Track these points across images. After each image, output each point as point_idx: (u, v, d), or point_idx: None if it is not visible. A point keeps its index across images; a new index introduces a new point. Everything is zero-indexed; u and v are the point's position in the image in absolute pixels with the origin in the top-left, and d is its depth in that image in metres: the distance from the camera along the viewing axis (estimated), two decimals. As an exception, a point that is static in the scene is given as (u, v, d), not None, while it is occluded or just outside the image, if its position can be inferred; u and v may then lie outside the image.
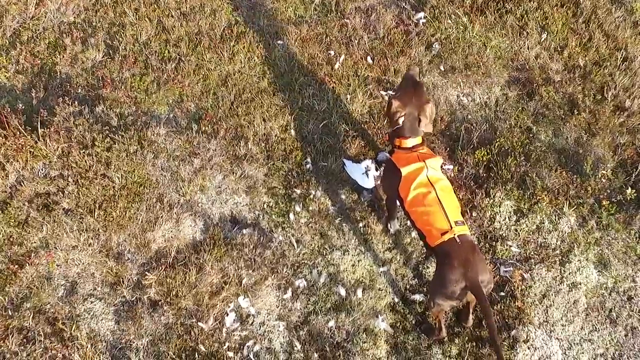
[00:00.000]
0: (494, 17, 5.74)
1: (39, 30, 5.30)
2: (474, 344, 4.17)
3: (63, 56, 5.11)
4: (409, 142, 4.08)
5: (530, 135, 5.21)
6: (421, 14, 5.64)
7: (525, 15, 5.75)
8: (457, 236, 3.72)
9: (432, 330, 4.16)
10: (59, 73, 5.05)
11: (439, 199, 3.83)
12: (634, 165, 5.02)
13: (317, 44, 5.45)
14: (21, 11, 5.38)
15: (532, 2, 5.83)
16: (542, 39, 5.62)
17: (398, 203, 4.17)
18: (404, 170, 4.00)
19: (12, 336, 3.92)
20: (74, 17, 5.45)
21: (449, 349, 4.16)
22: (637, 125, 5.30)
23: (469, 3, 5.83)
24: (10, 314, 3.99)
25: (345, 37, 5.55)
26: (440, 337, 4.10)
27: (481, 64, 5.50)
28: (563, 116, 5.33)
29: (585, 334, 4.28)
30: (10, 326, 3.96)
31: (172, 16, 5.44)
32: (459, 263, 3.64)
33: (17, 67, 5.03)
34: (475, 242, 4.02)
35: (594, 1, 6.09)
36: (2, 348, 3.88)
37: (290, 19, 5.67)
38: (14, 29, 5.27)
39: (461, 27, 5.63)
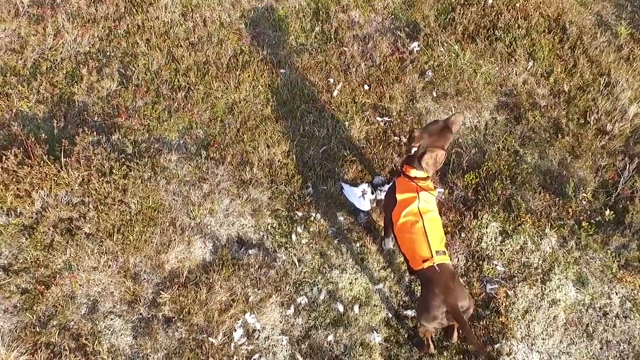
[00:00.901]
0: (484, 44, 6.08)
1: (57, 60, 5.63)
2: (461, 356, 4.54)
3: (80, 86, 5.46)
4: (413, 172, 4.33)
5: (518, 157, 5.56)
6: (415, 44, 5.97)
7: (514, 42, 6.08)
8: (437, 265, 4.07)
9: (422, 344, 4.54)
10: (76, 102, 5.40)
11: (425, 229, 4.16)
12: (615, 186, 5.38)
13: (317, 71, 5.79)
14: (40, 42, 5.71)
15: (520, 30, 6.16)
16: (529, 66, 5.96)
17: None
18: (399, 197, 4.34)
19: (41, 351, 4.28)
20: (89, 47, 5.79)
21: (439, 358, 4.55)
22: (618, 148, 5.65)
23: (461, 30, 6.17)
24: (38, 330, 4.36)
25: (343, 64, 5.89)
26: (429, 351, 4.48)
27: (471, 89, 5.85)
28: (548, 139, 5.68)
29: (563, 347, 4.65)
30: (39, 342, 4.32)
31: (181, 46, 5.78)
32: (440, 290, 4.01)
33: (38, 97, 5.36)
34: (455, 271, 4.35)
35: (580, 27, 6.44)
36: (31, 361, 4.28)
37: (292, 47, 6.00)
38: (34, 59, 5.60)
39: (453, 54, 5.98)
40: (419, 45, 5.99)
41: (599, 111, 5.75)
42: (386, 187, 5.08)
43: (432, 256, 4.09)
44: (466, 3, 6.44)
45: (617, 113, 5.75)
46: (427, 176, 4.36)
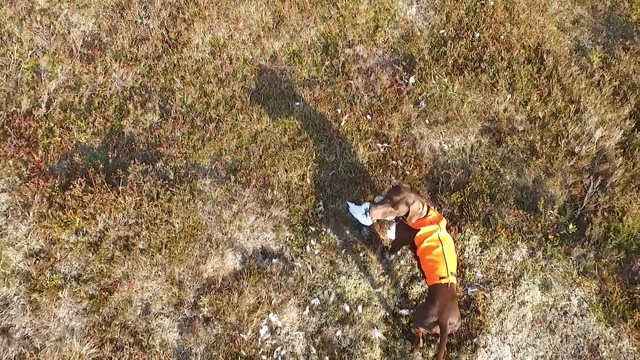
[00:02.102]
0: (470, 76, 6.76)
1: (107, 96, 6.36)
2: (448, 349, 5.36)
3: (128, 119, 6.22)
4: (424, 212, 5.11)
5: (498, 176, 6.29)
6: (412, 78, 6.68)
7: (497, 74, 6.78)
8: (449, 284, 4.85)
9: (414, 338, 5.37)
10: (125, 133, 6.18)
11: (444, 253, 4.92)
12: (581, 201, 6.13)
13: (327, 103, 6.51)
14: (92, 80, 6.46)
15: (502, 62, 6.86)
16: (509, 98, 6.66)
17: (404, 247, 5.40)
18: (422, 229, 5.04)
19: (106, 345, 5.11)
20: (133, 83, 6.53)
21: (427, 352, 5.34)
22: (585, 167, 6.36)
23: (451, 62, 6.88)
24: (104, 328, 5.19)
25: (349, 95, 6.62)
26: (419, 345, 5.31)
27: (459, 117, 6.57)
28: (525, 159, 6.40)
29: (530, 341, 5.45)
30: (105, 338, 5.14)
31: (211, 82, 6.52)
32: (440, 304, 4.78)
33: (93, 130, 6.12)
34: (456, 294, 5.04)
35: (556, 56, 7.12)
36: (99, 354, 5.13)
37: (305, 80, 6.73)
38: (87, 96, 6.37)
39: (443, 86, 6.69)
40: (414, 79, 6.70)
41: (569, 135, 6.45)
42: None
43: (447, 276, 4.85)
44: (456, 36, 7.13)
45: (584, 136, 6.44)
46: (429, 209, 5.14)
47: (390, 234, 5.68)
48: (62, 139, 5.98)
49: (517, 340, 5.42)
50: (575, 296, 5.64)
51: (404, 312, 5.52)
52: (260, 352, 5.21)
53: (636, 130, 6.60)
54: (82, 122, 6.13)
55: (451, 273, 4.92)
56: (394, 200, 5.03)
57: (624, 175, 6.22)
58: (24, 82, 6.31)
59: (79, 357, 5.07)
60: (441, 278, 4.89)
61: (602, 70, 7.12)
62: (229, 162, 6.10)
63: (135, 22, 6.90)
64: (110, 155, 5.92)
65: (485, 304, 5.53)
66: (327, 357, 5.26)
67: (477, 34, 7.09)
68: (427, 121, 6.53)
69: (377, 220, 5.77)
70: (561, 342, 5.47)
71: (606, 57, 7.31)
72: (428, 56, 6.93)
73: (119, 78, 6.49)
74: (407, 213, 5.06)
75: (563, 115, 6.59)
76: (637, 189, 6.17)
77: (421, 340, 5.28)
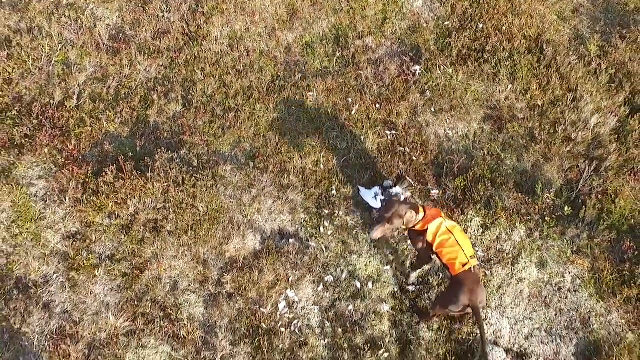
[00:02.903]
0: (474, 66, 7.05)
1: (132, 87, 6.69)
2: (450, 321, 5.73)
3: (152, 109, 6.56)
4: (420, 216, 5.27)
5: (499, 161, 6.62)
6: (417, 67, 6.98)
7: (499, 64, 7.06)
8: (472, 267, 5.06)
9: (422, 314, 5.68)
10: (150, 122, 6.53)
11: (457, 241, 5.13)
12: (576, 185, 6.45)
13: (338, 93, 6.82)
14: (118, 72, 6.78)
15: (504, 52, 7.13)
16: (510, 87, 6.94)
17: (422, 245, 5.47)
18: (429, 227, 5.20)
19: (139, 319, 5.51)
20: (157, 74, 6.86)
21: (432, 324, 5.75)
22: (581, 152, 6.66)
23: (455, 53, 7.16)
24: (136, 303, 5.57)
25: (359, 85, 6.92)
26: (429, 320, 5.65)
27: (463, 105, 6.86)
28: (525, 145, 6.70)
29: (527, 314, 5.80)
30: (137, 312, 5.51)
31: (230, 73, 6.83)
32: (468, 290, 5.01)
33: (121, 119, 6.48)
34: (480, 276, 5.29)
35: (555, 46, 7.38)
36: (132, 327, 5.53)
37: (318, 70, 7.03)
38: (114, 87, 6.70)
39: (448, 76, 6.98)
40: (420, 69, 6.99)
41: (566, 122, 6.74)
42: (394, 189, 6.19)
43: (469, 260, 5.06)
44: (461, 28, 7.39)
45: (581, 123, 6.73)
46: (423, 214, 5.27)
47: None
48: (92, 129, 6.32)
49: (514, 314, 5.77)
50: (569, 273, 5.99)
51: (411, 288, 5.87)
52: (279, 325, 5.59)
53: (630, 116, 6.87)
54: (110, 112, 6.46)
55: (470, 257, 5.11)
56: (386, 217, 5.22)
57: (617, 159, 6.52)
58: (55, 74, 6.63)
59: (114, 330, 5.46)
60: (464, 265, 5.08)
61: (599, 58, 7.37)
62: (247, 149, 6.43)
63: (157, 15, 7.19)
64: (137, 144, 6.27)
65: (485, 281, 5.88)
66: (340, 329, 5.63)
67: (481, 25, 7.34)
68: (432, 109, 6.82)
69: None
70: (555, 315, 5.83)
71: (604, 46, 7.55)
72: (434, 47, 7.20)
73: (143, 70, 6.81)
74: (405, 222, 5.25)
75: (561, 103, 6.86)
76: (629, 172, 6.47)
77: (434, 318, 5.60)
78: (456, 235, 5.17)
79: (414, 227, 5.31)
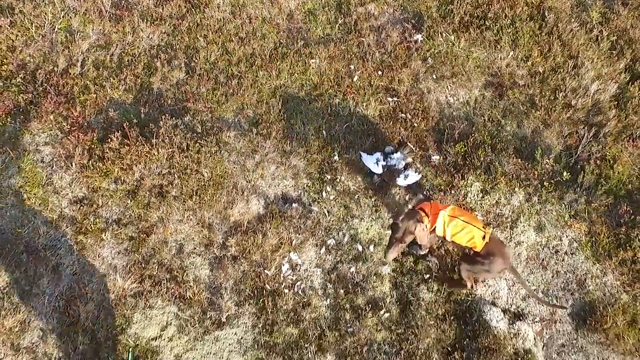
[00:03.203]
0: (475, 33, 7.03)
1: (135, 54, 6.71)
2: (449, 283, 5.87)
3: (156, 76, 6.59)
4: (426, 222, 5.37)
5: (500, 127, 6.66)
6: (419, 35, 6.98)
7: (500, 31, 7.04)
8: (490, 236, 5.20)
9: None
10: (154, 89, 6.55)
11: (465, 222, 5.21)
12: (575, 150, 6.51)
13: (340, 59, 6.83)
14: (121, 39, 6.79)
15: (506, 19, 7.11)
16: (512, 54, 6.95)
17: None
18: (436, 227, 5.32)
19: (146, 280, 5.65)
20: (159, 42, 6.87)
21: (431, 286, 5.87)
22: (580, 118, 6.71)
23: (457, 20, 7.14)
24: (143, 266, 5.71)
25: (361, 52, 6.92)
26: (468, 288, 5.68)
27: (464, 72, 6.88)
28: (525, 112, 6.73)
29: (525, 276, 5.92)
30: (144, 274, 5.65)
31: (232, 41, 6.84)
32: (498, 257, 5.18)
33: (125, 86, 6.52)
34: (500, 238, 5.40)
35: (557, 13, 7.35)
36: (140, 288, 5.66)
37: (320, 38, 7.02)
38: (117, 54, 6.73)
39: (450, 43, 6.98)
40: (422, 36, 6.99)
41: (567, 89, 6.75)
42: (395, 155, 6.24)
43: (485, 232, 5.17)
44: (463, -6, 7.37)
45: (581, 90, 6.74)
46: (425, 216, 5.37)
47: (400, 181, 6.08)
48: (97, 96, 6.37)
49: (512, 276, 5.88)
50: (566, 237, 6.09)
51: (414, 251, 5.93)
52: (282, 286, 5.72)
53: (630, 83, 6.88)
54: (114, 79, 6.50)
55: (483, 227, 5.23)
56: (398, 238, 5.32)
57: (616, 126, 6.57)
58: (58, 41, 6.65)
59: (122, 291, 5.60)
60: (483, 238, 5.20)
61: (600, 25, 7.34)
62: (250, 116, 6.48)
63: (159, -18, 7.17)
64: (142, 111, 6.32)
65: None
66: (342, 291, 5.76)
67: (483, -9, 7.31)
68: (434, 76, 6.85)
69: (387, 170, 6.15)
70: (552, 277, 5.95)
71: (605, 12, 7.51)
72: (436, 14, 7.18)
73: (146, 37, 6.83)
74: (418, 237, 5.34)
75: (562, 70, 6.87)
76: (628, 138, 6.52)
77: (469, 283, 5.63)
78: (460, 216, 5.27)
79: (422, 238, 5.42)
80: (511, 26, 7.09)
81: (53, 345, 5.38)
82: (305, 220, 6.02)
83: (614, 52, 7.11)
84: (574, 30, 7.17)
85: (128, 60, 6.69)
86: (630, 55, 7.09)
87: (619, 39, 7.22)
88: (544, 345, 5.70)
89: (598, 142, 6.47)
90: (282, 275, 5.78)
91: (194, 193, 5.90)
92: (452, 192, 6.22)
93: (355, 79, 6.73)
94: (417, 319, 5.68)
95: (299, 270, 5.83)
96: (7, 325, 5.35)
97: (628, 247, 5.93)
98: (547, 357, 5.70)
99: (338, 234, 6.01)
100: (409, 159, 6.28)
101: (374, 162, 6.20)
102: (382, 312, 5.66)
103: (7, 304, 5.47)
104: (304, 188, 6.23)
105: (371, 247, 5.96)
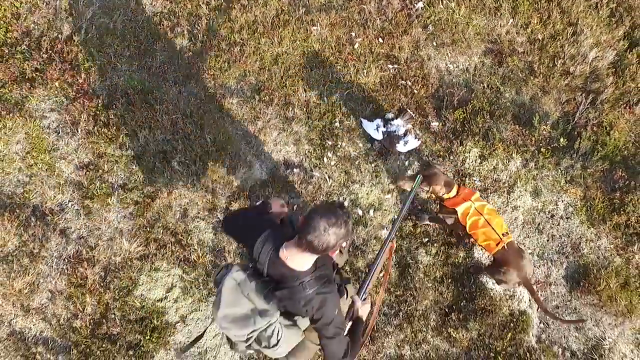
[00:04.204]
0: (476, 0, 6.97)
1: (139, 21, 6.64)
2: (447, 246, 5.91)
3: (159, 43, 6.54)
4: (452, 193, 5.28)
5: (498, 94, 6.63)
6: (420, 3, 6.88)
7: (500, -2, 6.97)
8: (506, 244, 5.07)
9: (480, 268, 5.73)
10: (157, 56, 6.52)
11: (487, 221, 5.08)
12: (573, 117, 6.49)
13: (342, 27, 6.76)
14: (123, 5, 6.70)
15: (506, -14, 7.02)
16: (511, 21, 6.87)
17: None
18: (458, 210, 5.17)
19: (151, 244, 5.70)
20: (162, 9, 6.79)
21: (430, 249, 5.91)
22: (579, 85, 6.67)
23: (458, -14, 7.05)
24: (148, 230, 5.74)
25: (362, 19, 6.84)
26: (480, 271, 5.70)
27: (464, 39, 6.81)
28: (524, 79, 6.69)
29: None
30: (149, 238, 5.69)
31: (234, 7, 6.77)
32: (512, 268, 5.07)
33: (129, 53, 6.48)
34: (520, 247, 5.28)
35: (558, -21, 7.24)
36: (145, 251, 5.70)
37: (322, 5, 6.93)
38: (121, 21, 6.64)
39: (450, 10, 6.90)
40: (423, 3, 6.90)
41: (565, 56, 6.71)
42: (395, 121, 6.22)
43: (501, 239, 5.05)
44: (464, -40, 7.24)
45: (579, 57, 6.69)
46: (458, 189, 5.28)
47: (400, 147, 6.07)
48: (101, 63, 6.32)
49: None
50: (562, 201, 6.10)
51: (419, 218, 5.94)
52: (284, 250, 5.75)
53: (628, 50, 6.82)
54: (118, 46, 6.44)
55: (503, 234, 5.06)
56: (421, 176, 5.11)
57: (613, 93, 6.53)
58: (62, 8, 6.57)
59: (128, 254, 5.64)
60: (497, 244, 5.08)
61: (600, -8, 7.24)
62: (253, 83, 6.44)
63: (161, -51, 7.04)
64: (145, 77, 6.28)
65: (482, 209, 5.99)
66: (342, 254, 5.79)
67: (484, -42, 7.18)
68: (434, 43, 6.78)
69: (387, 136, 6.15)
70: (547, 241, 5.98)
71: (605, -21, 7.39)
72: (436, -20, 7.08)
73: (148, 4, 6.74)
74: (430, 189, 5.31)
75: (561, 38, 6.81)
76: (625, 105, 6.49)
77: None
78: (486, 215, 5.14)
79: (443, 201, 5.32)
80: (511, -8, 6.99)
81: (62, 307, 5.44)
82: (306, 186, 6.04)
83: (613, 19, 7.02)
84: (574, -3, 7.07)
85: (131, 27, 6.62)
86: (629, 22, 7.00)
87: (618, 6, 7.12)
88: (538, 307, 5.75)
89: (595, 109, 6.44)
90: (284, 238, 5.79)
91: (198, 158, 5.90)
92: (451, 157, 6.22)
93: (356, 46, 6.66)
94: (416, 282, 5.73)
95: (301, 234, 5.84)
96: (17, 287, 5.41)
97: (622, 212, 5.95)
98: (541, 318, 5.76)
99: (339, 198, 6.02)
100: (409, 126, 6.26)
101: (374, 129, 6.20)
102: (381, 274, 5.69)
103: (17, 267, 5.51)
104: (306, 154, 6.22)
105: (371, 212, 5.98)
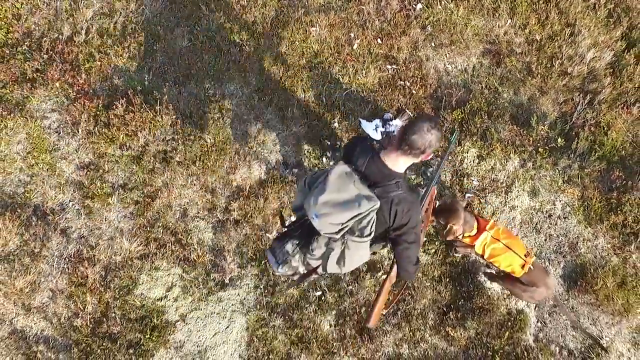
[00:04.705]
0: (474, 0, 6.93)
1: (139, 22, 6.64)
2: (444, 246, 5.92)
3: (159, 44, 6.54)
4: (474, 232, 5.17)
5: (497, 94, 6.63)
6: (419, 5, 6.88)
7: (499, -1, 6.97)
8: (531, 265, 5.05)
9: (493, 275, 5.67)
10: (157, 57, 6.52)
11: (506, 246, 4.99)
12: (570, 117, 6.49)
13: (340, 27, 6.76)
14: (124, 7, 6.71)
15: (504, -13, 7.02)
16: (510, 22, 6.86)
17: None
18: (476, 244, 5.12)
19: (151, 243, 5.72)
20: (162, 10, 6.79)
21: (429, 248, 5.92)
22: (576, 86, 6.66)
23: (457, -13, 7.04)
24: (148, 229, 5.76)
25: (361, 20, 6.83)
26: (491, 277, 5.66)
27: (462, 39, 6.81)
28: (522, 79, 6.68)
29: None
30: (149, 237, 5.71)
31: (234, 9, 6.78)
32: (543, 285, 5.06)
33: (129, 54, 6.47)
34: (542, 265, 5.28)
35: (555, -21, 7.23)
36: (145, 251, 5.71)
37: (320, 6, 6.92)
38: (121, 22, 6.65)
39: (449, 10, 6.89)
40: (421, 4, 6.90)
41: (563, 56, 6.70)
42: (394, 121, 6.22)
43: (525, 261, 5.01)
44: (462, -38, 7.23)
45: (577, 58, 6.68)
46: (474, 232, 5.14)
47: (376, 135, 6.08)
48: (101, 63, 6.32)
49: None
50: (560, 201, 6.10)
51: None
52: (284, 249, 5.75)
53: (626, 51, 6.81)
54: (118, 47, 6.44)
55: (525, 255, 5.02)
56: (441, 215, 5.10)
57: (611, 93, 6.52)
58: (62, 9, 6.57)
59: (129, 253, 5.66)
60: (522, 267, 5.02)
61: (598, -7, 7.23)
62: (252, 83, 6.44)
63: (161, -50, 7.05)
64: (146, 78, 6.29)
65: (480, 208, 6.01)
66: (341, 253, 5.79)
67: (482, -41, 7.18)
68: (433, 44, 6.78)
69: (386, 136, 6.15)
70: (545, 240, 5.98)
71: (604, -21, 7.38)
72: (435, -19, 7.07)
73: (149, 4, 6.74)
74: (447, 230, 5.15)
75: (559, 38, 6.80)
76: (622, 105, 6.48)
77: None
78: (504, 240, 5.07)
79: (459, 240, 5.18)
80: (509, -7, 6.98)
81: (62, 306, 5.46)
82: (305, 185, 6.02)
83: (610, 20, 7.01)
84: (572, -2, 7.06)
85: (131, 28, 6.62)
86: (627, 23, 6.98)
87: (616, 6, 7.10)
88: (536, 306, 5.76)
89: (593, 109, 6.44)
90: (283, 238, 5.80)
91: (198, 158, 5.91)
92: (450, 157, 6.21)
93: (355, 46, 6.66)
94: (414, 281, 5.73)
95: (300, 234, 5.85)
96: (18, 286, 5.43)
97: (619, 212, 5.95)
98: (539, 317, 5.77)
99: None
100: (407, 126, 6.25)
101: (373, 129, 6.20)
102: (379, 274, 5.71)
103: (18, 266, 5.53)
104: (305, 154, 6.23)
105: (370, 212, 5.95)
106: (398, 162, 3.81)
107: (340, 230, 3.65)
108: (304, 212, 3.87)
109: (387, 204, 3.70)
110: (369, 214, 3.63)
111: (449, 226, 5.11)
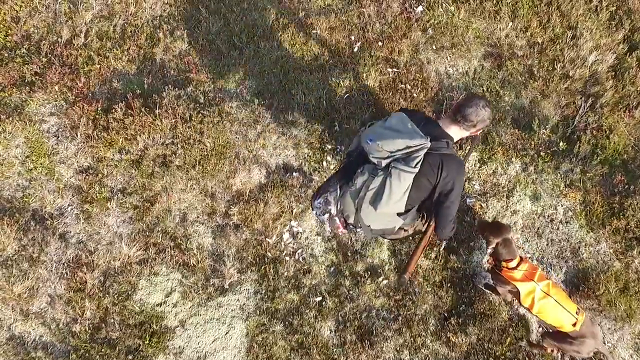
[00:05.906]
0: (475, 3, 6.83)
1: (138, 25, 6.53)
2: (446, 251, 5.81)
3: (159, 47, 6.44)
4: (511, 264, 4.94)
5: (498, 97, 6.53)
6: (420, 7, 6.78)
7: (500, 1, 6.83)
8: (582, 323, 4.84)
9: (534, 345, 5.50)
10: (157, 60, 6.41)
11: (557, 302, 4.82)
12: (572, 120, 6.39)
13: (341, 30, 6.65)
14: (123, 10, 6.62)
15: (506, -12, 6.92)
16: (511, 24, 6.76)
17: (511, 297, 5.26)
18: (521, 290, 4.88)
19: (151, 248, 5.63)
20: (162, 12, 6.70)
21: (430, 253, 5.82)
22: (578, 89, 6.56)
23: (458, -10, 6.94)
24: (147, 234, 5.67)
25: (362, 23, 6.73)
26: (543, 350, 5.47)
27: (464, 42, 6.71)
28: (523, 82, 6.57)
29: (520, 244, 5.89)
30: (149, 242, 5.62)
31: (234, 11, 6.67)
32: (590, 336, 4.92)
33: (128, 57, 6.37)
34: (589, 316, 5.12)
35: (557, -18, 7.13)
36: (145, 256, 5.60)
37: (321, 8, 6.82)
38: (120, 25, 6.56)
39: (450, 13, 6.79)
40: (422, 7, 6.80)
41: (565, 59, 6.60)
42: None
43: (577, 318, 4.84)
44: (463, -36, 7.13)
45: (579, 61, 6.58)
46: (521, 260, 4.98)
47: None
48: (100, 66, 6.23)
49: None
50: (562, 206, 6.00)
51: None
52: (283, 254, 5.68)
53: (628, 54, 6.71)
54: (117, 50, 6.35)
55: (576, 313, 4.89)
56: (490, 232, 4.99)
57: (613, 96, 6.42)
58: (62, 12, 6.48)
59: (128, 258, 5.56)
60: (574, 324, 4.89)
61: (600, -4, 7.13)
62: (252, 87, 6.35)
63: (161, -47, 6.94)
64: (145, 81, 6.19)
65: (481, 212, 5.91)
66: (341, 257, 5.72)
67: (483, -39, 7.08)
68: (434, 47, 6.68)
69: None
70: (547, 245, 5.89)
71: (606, -19, 7.28)
72: (436, -17, 6.97)
73: (148, 8, 6.65)
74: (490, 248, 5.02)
75: (560, 41, 6.70)
76: (624, 109, 6.38)
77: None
78: (554, 295, 4.92)
79: (500, 269, 5.01)
80: (511, -4, 6.88)
81: (61, 311, 5.37)
82: (305, 189, 5.95)
83: (612, 22, 6.91)
84: (574, 1, 6.95)
85: (131, 31, 6.53)
86: (629, 25, 6.88)
87: (618, 9, 7.00)
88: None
89: (595, 113, 6.34)
90: (283, 243, 5.73)
91: (197, 163, 5.81)
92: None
93: (355, 49, 6.56)
94: (415, 286, 5.64)
95: (300, 238, 5.78)
96: (17, 291, 5.33)
97: (621, 216, 5.85)
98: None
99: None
100: (408, 129, 6.15)
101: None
102: (380, 278, 5.62)
103: (16, 271, 5.44)
104: (305, 158, 6.13)
105: (370, 216, 5.86)
106: (450, 130, 4.21)
107: (389, 156, 3.94)
108: (355, 152, 4.33)
109: (436, 159, 3.99)
110: (419, 151, 3.89)
111: (489, 239, 4.95)
